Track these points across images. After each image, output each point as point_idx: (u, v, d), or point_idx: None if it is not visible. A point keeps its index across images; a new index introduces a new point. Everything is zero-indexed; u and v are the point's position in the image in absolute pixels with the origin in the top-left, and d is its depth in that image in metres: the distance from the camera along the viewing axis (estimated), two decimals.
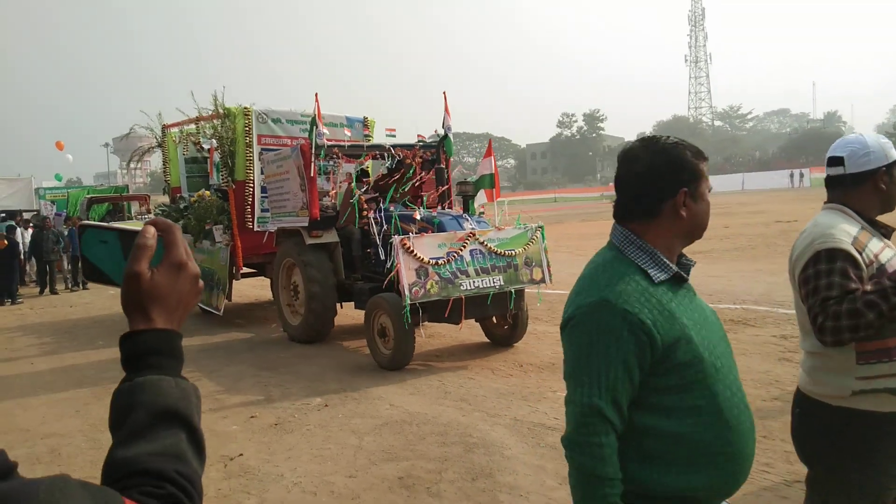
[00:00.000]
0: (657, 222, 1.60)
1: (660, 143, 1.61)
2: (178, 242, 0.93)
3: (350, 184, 8.32)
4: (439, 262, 6.47)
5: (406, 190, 8.60)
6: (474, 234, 6.77)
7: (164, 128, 11.46)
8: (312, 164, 7.69)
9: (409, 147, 8.57)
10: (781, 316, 7.87)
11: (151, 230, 0.91)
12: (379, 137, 9.97)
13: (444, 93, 8.45)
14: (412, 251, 6.41)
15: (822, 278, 2.05)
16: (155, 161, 13.17)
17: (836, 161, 2.26)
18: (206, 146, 10.70)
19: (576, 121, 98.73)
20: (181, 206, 10.91)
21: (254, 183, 9.44)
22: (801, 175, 56.09)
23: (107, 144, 69.72)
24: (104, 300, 13.26)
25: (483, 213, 8.13)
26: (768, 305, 8.43)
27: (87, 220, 18.24)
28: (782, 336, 6.95)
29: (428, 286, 6.37)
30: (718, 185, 63.53)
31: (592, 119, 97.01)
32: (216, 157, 9.77)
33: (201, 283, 0.96)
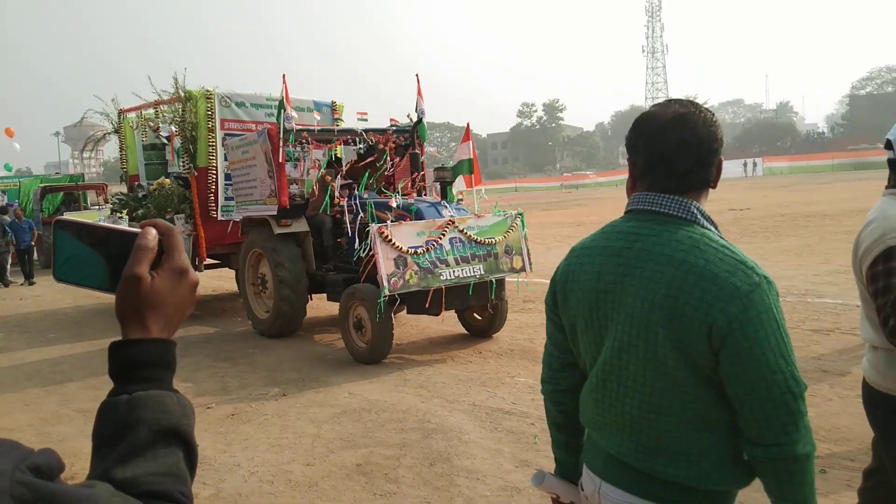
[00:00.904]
0: (705, 193, 1.51)
1: (701, 107, 1.51)
2: (180, 247, 0.88)
3: (321, 170, 8.02)
4: (418, 251, 6.23)
5: (378, 177, 8.39)
6: (453, 222, 6.54)
7: (121, 113, 10.95)
8: (280, 150, 7.39)
9: (382, 132, 8.30)
10: None
11: (153, 232, 0.86)
12: (349, 122, 9.55)
13: (416, 75, 8.20)
14: (390, 240, 6.15)
15: (894, 276, 1.98)
16: (109, 149, 12.49)
17: (888, 144, 2.16)
18: (165, 132, 10.28)
19: (536, 111, 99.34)
20: (139, 194, 10.49)
21: (217, 170, 9.07)
22: (755, 164, 57.47)
23: (57, 133, 67.75)
24: (54, 293, 12.92)
25: (462, 199, 7.90)
26: None
27: (40, 210, 17.74)
28: None
29: (407, 276, 6.13)
30: None
31: (552, 109, 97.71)
32: (177, 142, 9.35)
33: (198, 291, 0.91)
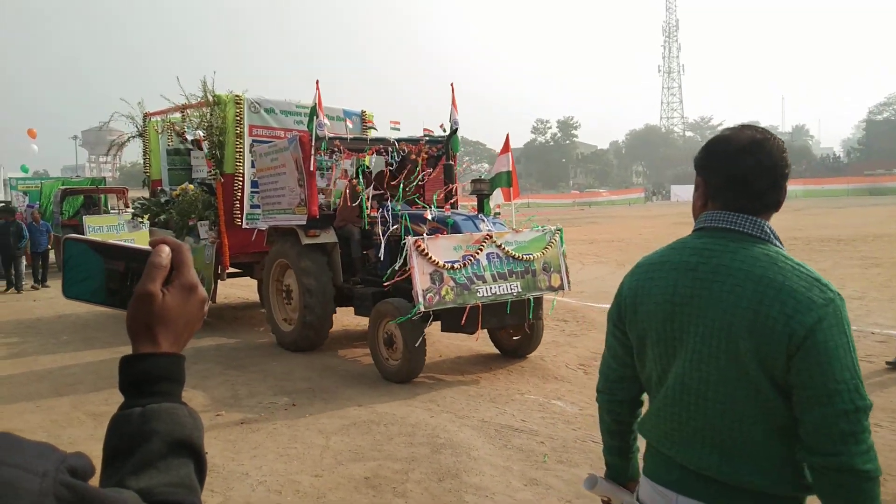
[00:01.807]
0: (772, 214, 1.60)
1: (773, 134, 1.61)
2: (190, 263, 0.90)
3: (352, 180, 7.81)
4: (455, 265, 5.96)
5: (410, 188, 8.22)
6: (491, 237, 6.27)
7: (146, 116, 10.74)
8: (312, 158, 7.20)
9: (415, 142, 8.10)
10: None
11: (167, 250, 0.88)
12: (382, 131, 9.43)
13: (451, 84, 7.90)
14: (426, 254, 5.88)
15: None
16: (126, 154, 12.34)
17: None
18: (190, 136, 10.17)
19: (550, 127, 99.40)
20: (162, 199, 10.33)
21: (243, 176, 8.84)
22: None
23: (75, 137, 68.51)
24: None
25: (499, 213, 7.59)
26: None
27: (60, 212, 17.84)
28: None
29: (443, 292, 5.86)
30: (688, 194, 64.11)
31: (566, 126, 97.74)
32: (205, 147, 9.17)
33: (207, 307, 0.93)
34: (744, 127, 1.62)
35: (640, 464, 1.75)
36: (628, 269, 1.79)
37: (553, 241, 6.60)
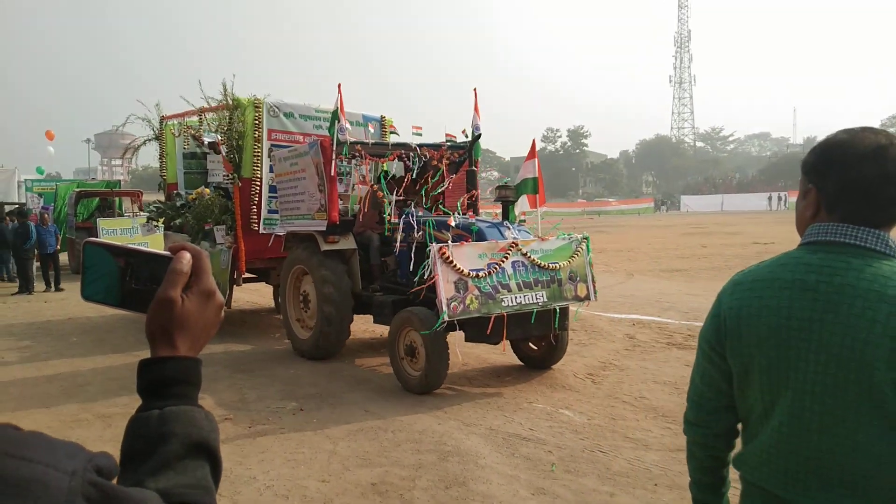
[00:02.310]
0: (891, 228, 1.45)
1: None
2: (208, 270, 0.92)
3: (373, 185, 7.66)
4: (480, 274, 5.80)
5: (431, 194, 8.10)
6: (517, 245, 6.09)
7: (163, 119, 10.60)
8: (333, 163, 7.07)
9: (436, 147, 7.94)
10: None
11: (188, 257, 0.90)
12: (405, 136, 9.21)
13: (474, 90, 7.76)
14: (451, 261, 5.73)
15: None
16: (139, 158, 12.29)
17: None
18: (207, 140, 10.11)
19: (560, 136, 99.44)
20: (178, 203, 10.27)
21: (261, 181, 8.74)
22: (780, 198, 56.96)
23: (88, 140, 69.08)
24: (79, 298, 13.08)
25: (524, 220, 7.40)
26: None
27: (74, 214, 17.94)
28: None
29: (467, 301, 5.70)
30: (698, 205, 64.46)
31: (577, 135, 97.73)
32: (224, 151, 9.01)
33: (223, 313, 0.95)
34: (864, 129, 1.47)
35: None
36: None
37: (580, 249, 6.42)
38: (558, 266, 6.21)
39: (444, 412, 5.57)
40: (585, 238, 6.53)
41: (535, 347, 6.83)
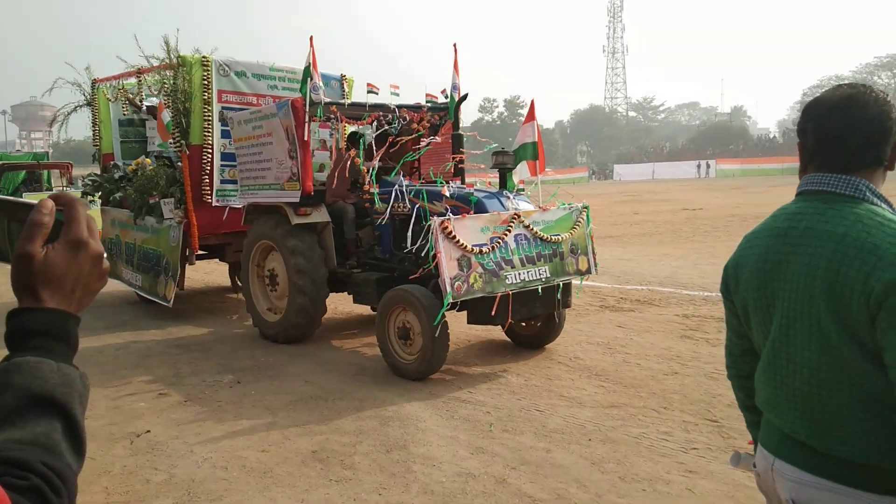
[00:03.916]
0: (880, 172, 1.53)
1: (871, 87, 1.56)
2: (80, 218, 0.86)
3: (350, 151, 6.77)
4: (483, 249, 5.30)
5: (408, 160, 7.32)
6: (519, 216, 5.59)
7: (95, 83, 9.63)
8: (306, 125, 6.34)
9: (417, 109, 7.22)
10: (684, 297, 8.27)
11: (49, 205, 0.84)
12: (359, 95, 8.04)
13: (454, 45, 7.03)
14: (454, 237, 5.19)
15: None
16: (67, 128, 10.80)
17: None
18: (146, 104, 9.25)
19: (497, 106, 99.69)
20: (115, 175, 9.29)
21: (212, 148, 7.90)
22: (708, 165, 58.82)
23: (4, 112, 65.55)
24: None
25: (523, 189, 6.77)
26: (672, 287, 8.85)
27: (0, 187, 16.90)
28: (684, 315, 7.32)
29: (471, 280, 5.19)
30: (631, 174, 65.85)
31: (513, 105, 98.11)
32: (166, 116, 7.96)
33: (106, 263, 0.88)
34: (840, 85, 1.59)
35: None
36: None
37: (580, 220, 6.02)
38: (560, 238, 5.79)
39: (385, 379, 5.60)
40: (586, 207, 6.14)
41: (528, 326, 6.39)
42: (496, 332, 6.70)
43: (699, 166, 58.81)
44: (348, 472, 3.88)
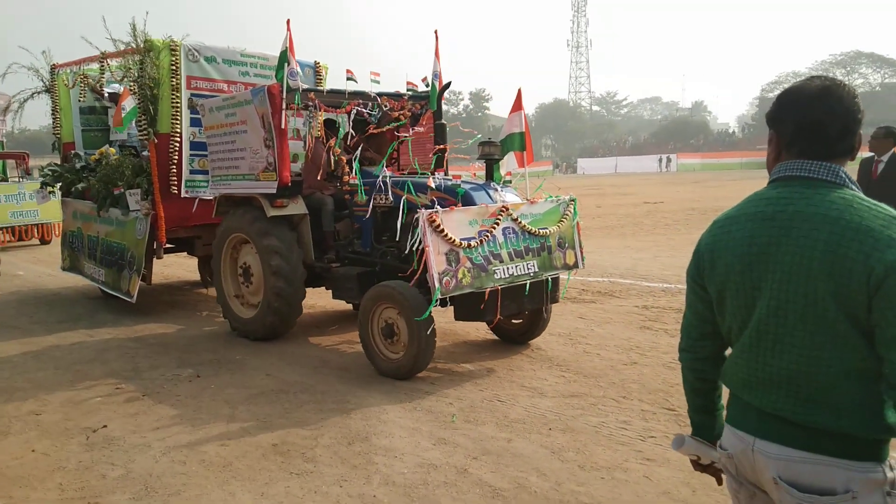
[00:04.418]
0: (846, 162, 1.63)
1: (843, 81, 1.65)
2: None
3: (328, 141, 6.58)
4: (471, 243, 5.13)
5: (390, 150, 7.10)
6: (507, 209, 5.44)
7: (54, 68, 9.17)
8: (283, 113, 6.10)
9: (397, 97, 7.02)
10: (644, 288, 8.40)
11: None
12: (338, 82, 7.53)
13: (435, 32, 6.84)
14: (442, 230, 5.03)
15: None
16: (14, 118, 10.21)
17: None
18: (108, 91, 8.94)
19: (462, 99, 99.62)
20: (77, 165, 8.97)
21: (181, 136, 7.54)
22: (669, 160, 59.72)
23: None
24: None
25: (511, 181, 6.59)
26: (633, 279, 8.98)
27: None
28: (644, 306, 7.44)
29: (460, 275, 5.03)
30: (594, 167, 66.53)
31: (479, 98, 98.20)
32: (130, 103, 7.51)
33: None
34: (813, 77, 1.67)
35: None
36: None
37: (567, 212, 5.87)
38: (548, 232, 5.65)
39: (348, 371, 5.59)
40: (573, 200, 6.03)
41: (514, 321, 6.24)
42: (460, 326, 6.69)
43: (661, 160, 59.65)
44: (309, 465, 3.86)
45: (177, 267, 11.30)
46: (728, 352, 1.79)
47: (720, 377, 1.82)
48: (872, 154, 6.53)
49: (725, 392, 1.83)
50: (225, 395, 5.09)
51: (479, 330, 6.71)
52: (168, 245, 8.16)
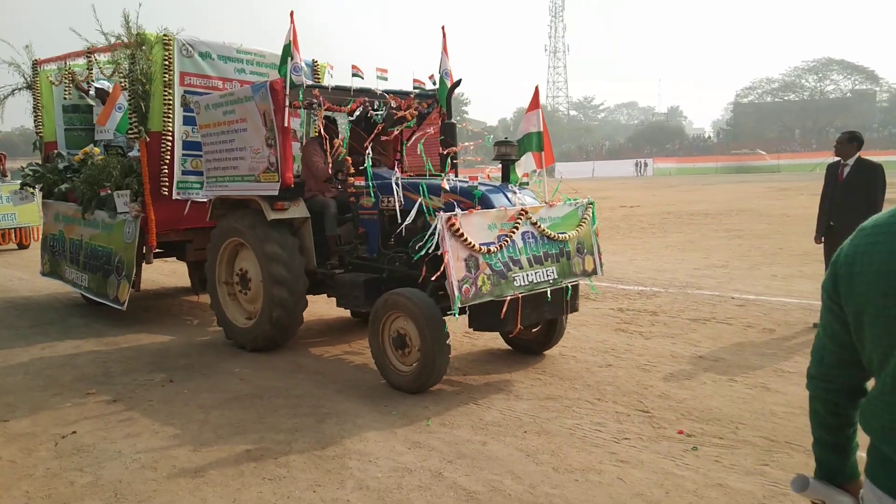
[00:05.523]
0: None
1: None
2: None
3: (334, 140, 6.31)
4: (491, 249, 4.85)
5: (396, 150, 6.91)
6: (526, 212, 5.16)
7: (36, 64, 8.85)
8: (286, 110, 5.82)
9: (404, 95, 6.71)
10: (620, 291, 8.47)
11: None
12: (343, 79, 7.18)
13: (442, 28, 6.59)
14: (461, 235, 4.73)
15: None
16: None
17: None
18: (94, 88, 8.68)
19: None
20: (60, 165, 8.58)
21: (173, 135, 7.16)
22: (645, 164, 60.24)
23: None
24: None
25: (527, 183, 6.22)
26: (608, 282, 9.03)
27: None
28: (619, 309, 7.49)
29: (479, 282, 4.74)
30: (571, 171, 66.79)
31: (457, 103, 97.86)
32: (123, 102, 7.19)
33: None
34: None
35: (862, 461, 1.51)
36: None
37: (585, 216, 5.63)
38: (567, 236, 5.38)
39: (324, 376, 5.55)
40: (591, 203, 5.79)
41: (532, 331, 5.93)
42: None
43: (637, 165, 60.16)
44: (282, 471, 3.82)
45: (152, 271, 11.15)
46: (871, 384, 1.43)
47: (858, 416, 1.47)
48: (838, 158, 6.64)
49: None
50: (198, 401, 5.03)
51: (455, 332, 6.70)
52: (158, 250, 7.73)
